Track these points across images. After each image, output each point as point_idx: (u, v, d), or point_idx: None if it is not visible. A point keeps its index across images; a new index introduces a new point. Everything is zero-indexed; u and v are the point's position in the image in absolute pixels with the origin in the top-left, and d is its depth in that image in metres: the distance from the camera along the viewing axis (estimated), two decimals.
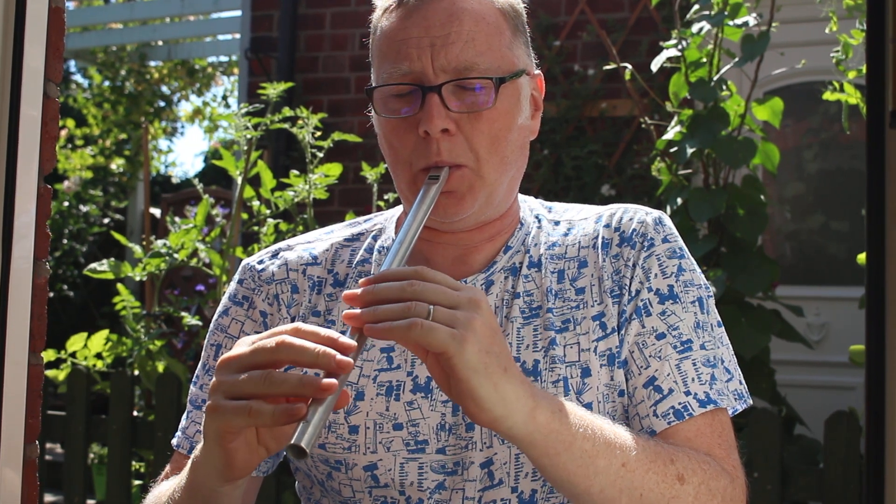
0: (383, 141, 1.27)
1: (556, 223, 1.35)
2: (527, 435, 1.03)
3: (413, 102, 1.22)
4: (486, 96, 1.21)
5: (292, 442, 0.92)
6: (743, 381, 1.29)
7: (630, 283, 1.26)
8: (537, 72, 1.32)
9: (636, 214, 1.31)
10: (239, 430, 1.00)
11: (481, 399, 0.99)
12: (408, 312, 0.97)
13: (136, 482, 3.95)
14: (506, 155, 1.24)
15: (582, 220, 1.34)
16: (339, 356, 0.96)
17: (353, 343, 0.99)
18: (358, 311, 1.00)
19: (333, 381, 0.95)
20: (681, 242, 1.31)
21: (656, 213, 1.32)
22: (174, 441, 1.34)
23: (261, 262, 1.36)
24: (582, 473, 1.06)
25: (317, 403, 0.95)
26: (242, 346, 1.01)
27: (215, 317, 1.36)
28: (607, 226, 1.31)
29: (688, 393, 1.21)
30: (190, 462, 1.11)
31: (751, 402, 1.28)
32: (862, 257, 2.72)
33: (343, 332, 1.01)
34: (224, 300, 1.36)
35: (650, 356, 1.23)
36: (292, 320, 1.30)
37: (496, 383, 0.99)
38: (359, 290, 1.00)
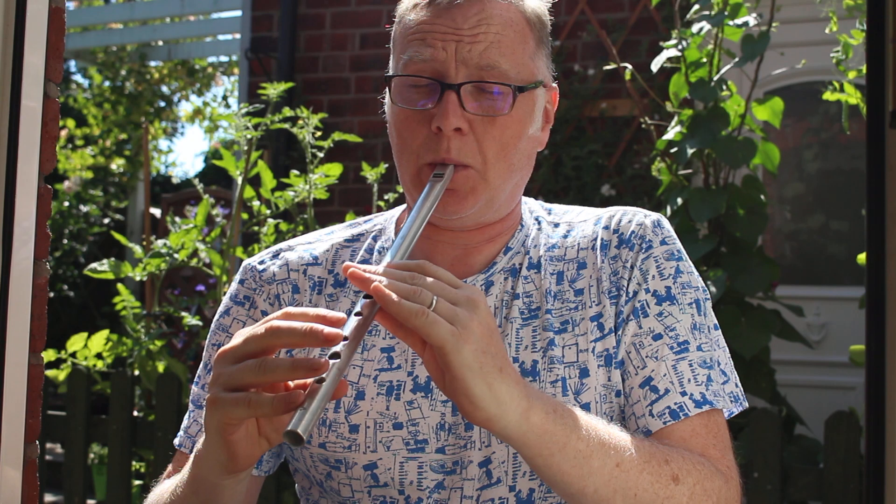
0: (393, 129, 1.27)
1: (556, 225, 1.35)
2: (520, 435, 1.03)
3: (430, 96, 1.22)
4: (503, 102, 1.21)
5: (289, 428, 0.93)
6: (739, 385, 1.29)
7: (628, 285, 1.26)
8: (554, 85, 1.33)
9: (635, 217, 1.31)
10: (240, 421, 1.00)
11: (475, 398, 1.00)
12: (415, 296, 0.98)
13: (136, 482, 3.95)
14: (513, 162, 1.25)
15: (581, 222, 1.35)
16: (326, 329, 0.97)
17: (342, 316, 0.99)
18: (368, 274, 1.00)
19: (324, 361, 0.96)
20: (679, 245, 1.31)
21: (655, 215, 1.32)
22: (176, 441, 1.35)
23: (262, 262, 1.37)
24: (576, 474, 1.06)
25: (314, 392, 0.95)
26: (237, 338, 1.02)
27: (216, 317, 1.37)
28: (606, 228, 1.32)
29: (684, 393, 1.21)
30: (192, 456, 1.12)
31: (747, 405, 1.29)
32: (862, 257, 2.72)
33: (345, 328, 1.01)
34: (225, 300, 1.37)
35: (647, 356, 1.23)
36: None
37: (491, 383, 1.00)
38: (366, 266, 1.02)
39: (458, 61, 1.20)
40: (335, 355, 0.98)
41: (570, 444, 1.05)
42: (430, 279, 1.01)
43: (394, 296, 0.98)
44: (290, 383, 1.02)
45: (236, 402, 0.98)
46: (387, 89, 1.27)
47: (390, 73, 1.27)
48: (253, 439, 1.03)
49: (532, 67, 1.25)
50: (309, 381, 0.99)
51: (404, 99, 1.24)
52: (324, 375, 0.96)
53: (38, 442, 1.58)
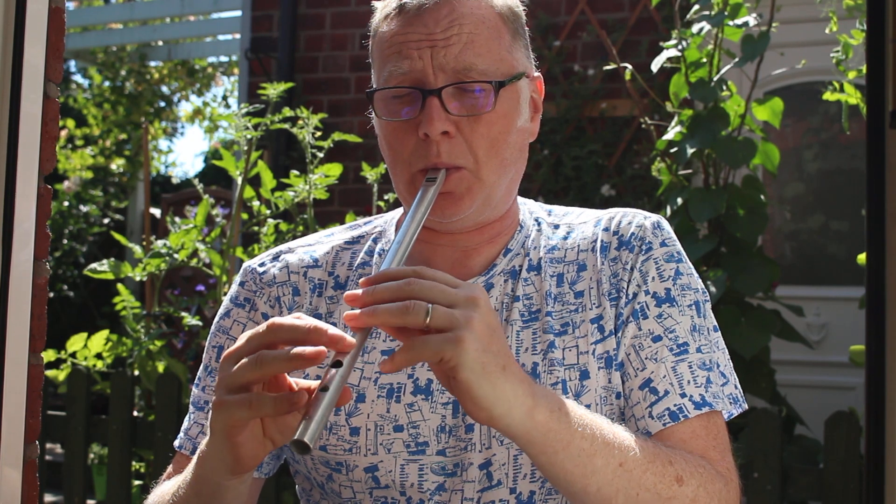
0: (383, 142, 1.28)
1: (556, 227, 1.35)
2: (525, 433, 1.03)
3: (413, 104, 1.22)
4: (486, 99, 1.22)
5: (295, 437, 0.93)
6: (738, 386, 1.29)
7: (627, 287, 1.26)
8: (537, 74, 1.33)
9: (635, 218, 1.31)
10: (244, 422, 1.00)
11: (479, 398, 1.00)
12: (406, 312, 0.98)
13: (136, 482, 3.95)
14: (505, 157, 1.25)
15: (581, 223, 1.35)
16: (331, 330, 0.97)
17: (349, 339, 0.99)
18: (357, 311, 1.00)
19: (321, 348, 0.96)
20: (679, 247, 1.31)
21: (655, 217, 1.32)
22: (176, 442, 1.35)
23: (262, 264, 1.37)
24: (579, 472, 1.06)
25: (318, 400, 0.95)
26: (240, 339, 1.02)
27: (216, 319, 1.37)
28: (606, 229, 1.32)
29: (683, 395, 1.21)
30: (196, 457, 1.12)
31: (746, 406, 1.29)
32: (862, 257, 2.72)
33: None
34: (225, 302, 1.37)
35: (646, 358, 1.23)
36: None
37: (494, 383, 1.00)
38: (359, 292, 1.01)
39: (436, 67, 1.20)
40: (338, 364, 0.98)
41: (574, 442, 1.05)
42: (426, 282, 1.00)
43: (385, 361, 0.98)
44: (294, 385, 1.02)
45: (238, 404, 0.98)
46: (371, 105, 1.27)
47: (372, 88, 1.27)
48: (258, 440, 1.03)
49: (511, 60, 1.25)
50: (313, 386, 0.99)
51: (389, 111, 1.25)
52: (327, 384, 0.96)
53: (38, 442, 1.58)
